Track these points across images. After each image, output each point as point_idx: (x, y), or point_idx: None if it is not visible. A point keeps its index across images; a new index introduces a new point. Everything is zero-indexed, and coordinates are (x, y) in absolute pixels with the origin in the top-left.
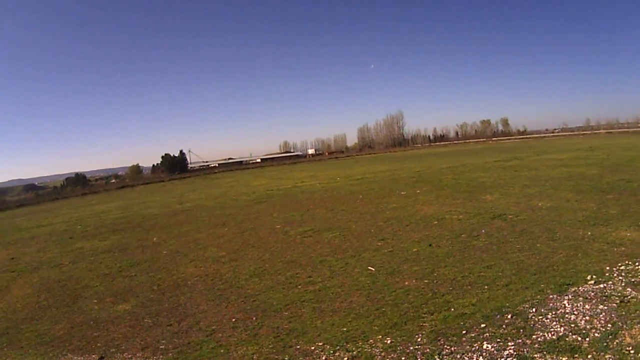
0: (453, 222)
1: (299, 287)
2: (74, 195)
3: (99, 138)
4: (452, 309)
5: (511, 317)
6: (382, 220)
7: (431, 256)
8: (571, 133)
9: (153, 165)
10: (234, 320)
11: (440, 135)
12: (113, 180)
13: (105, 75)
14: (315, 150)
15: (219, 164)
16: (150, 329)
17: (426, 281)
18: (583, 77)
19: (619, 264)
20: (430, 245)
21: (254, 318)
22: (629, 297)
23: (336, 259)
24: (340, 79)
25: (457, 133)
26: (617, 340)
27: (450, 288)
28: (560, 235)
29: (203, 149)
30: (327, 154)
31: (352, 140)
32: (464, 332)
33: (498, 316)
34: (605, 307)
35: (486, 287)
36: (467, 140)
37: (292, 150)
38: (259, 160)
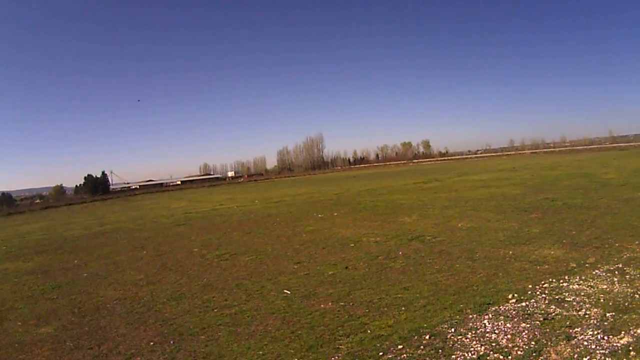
0: (370, 244)
1: (215, 310)
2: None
3: (24, 157)
4: (369, 331)
5: (429, 337)
6: (299, 243)
7: (347, 279)
8: (494, 154)
9: (76, 186)
10: (152, 344)
11: (361, 157)
12: (37, 201)
13: (28, 92)
14: (235, 173)
15: (139, 186)
16: (72, 352)
17: (342, 304)
18: (506, 98)
19: (542, 282)
20: (346, 267)
21: (172, 342)
22: (554, 314)
23: (252, 282)
24: (260, 101)
25: (377, 155)
26: (541, 358)
27: (367, 310)
28: (480, 255)
29: (125, 170)
30: (246, 176)
31: (272, 163)
32: (380, 354)
33: (416, 337)
34: (528, 325)
35: (403, 308)
36: (388, 163)
37: (212, 173)
38: (179, 182)
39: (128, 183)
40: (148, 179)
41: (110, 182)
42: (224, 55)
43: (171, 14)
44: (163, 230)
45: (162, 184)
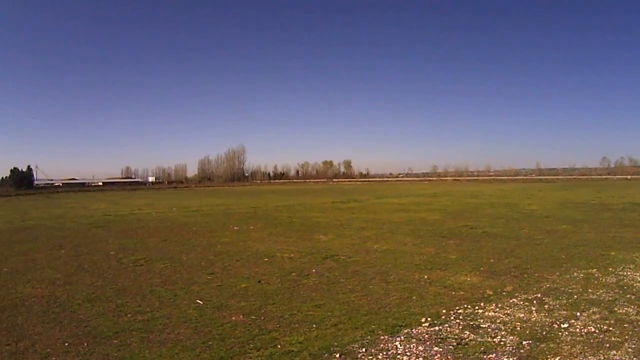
0: (284, 260)
1: (129, 315)
2: None
3: None
4: (279, 346)
5: (339, 356)
6: (213, 254)
7: (259, 293)
8: (416, 178)
9: (2, 178)
10: (66, 344)
11: (281, 173)
12: None
13: None
14: (155, 178)
15: (62, 184)
16: None
17: (253, 317)
18: (431, 124)
19: (457, 308)
20: (259, 281)
21: (85, 344)
22: (467, 339)
23: (165, 289)
24: (184, 110)
25: (298, 172)
26: None
27: (278, 325)
28: (395, 277)
29: (49, 166)
30: (166, 183)
31: (192, 171)
32: None
33: (326, 355)
34: (441, 349)
35: (314, 325)
36: (308, 180)
37: (133, 177)
38: (100, 183)
39: (52, 180)
40: (71, 177)
41: (35, 177)
42: (149, 60)
43: (99, 14)
44: (82, 230)
45: (84, 183)
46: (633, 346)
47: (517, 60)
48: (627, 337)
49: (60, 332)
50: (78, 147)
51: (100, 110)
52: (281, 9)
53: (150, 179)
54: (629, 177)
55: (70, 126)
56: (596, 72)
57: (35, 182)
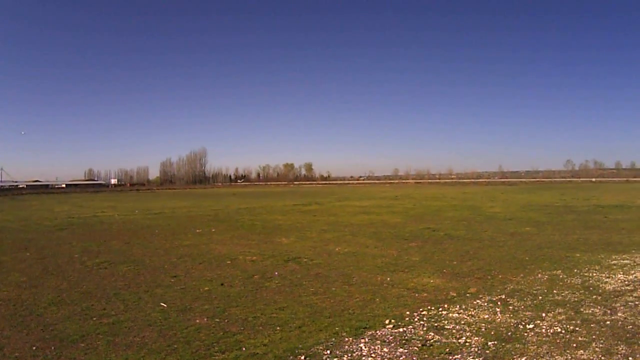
0: (246, 262)
1: (94, 319)
2: None
3: None
4: (244, 349)
5: (304, 358)
6: (176, 256)
7: (223, 295)
8: (377, 181)
9: None
10: (34, 348)
11: (242, 175)
12: None
13: None
14: (117, 181)
15: (27, 185)
16: None
17: (217, 320)
18: (391, 127)
19: (420, 309)
20: (222, 284)
21: (53, 348)
22: (432, 340)
23: (130, 292)
24: (146, 111)
25: (259, 175)
26: None
27: (242, 328)
28: (357, 280)
29: (13, 167)
30: (129, 185)
31: (154, 173)
32: None
33: (291, 357)
34: (406, 351)
35: (278, 328)
36: (269, 182)
37: (96, 179)
38: (64, 185)
39: (16, 182)
40: (35, 179)
41: (0, 179)
42: (111, 63)
43: (56, 18)
44: (46, 233)
45: (47, 185)
46: (601, 346)
47: (479, 63)
48: (594, 336)
49: (27, 335)
50: (42, 149)
51: (63, 112)
52: (241, 11)
53: (113, 181)
54: (593, 179)
55: (34, 128)
56: (559, 75)
57: (0, 183)
